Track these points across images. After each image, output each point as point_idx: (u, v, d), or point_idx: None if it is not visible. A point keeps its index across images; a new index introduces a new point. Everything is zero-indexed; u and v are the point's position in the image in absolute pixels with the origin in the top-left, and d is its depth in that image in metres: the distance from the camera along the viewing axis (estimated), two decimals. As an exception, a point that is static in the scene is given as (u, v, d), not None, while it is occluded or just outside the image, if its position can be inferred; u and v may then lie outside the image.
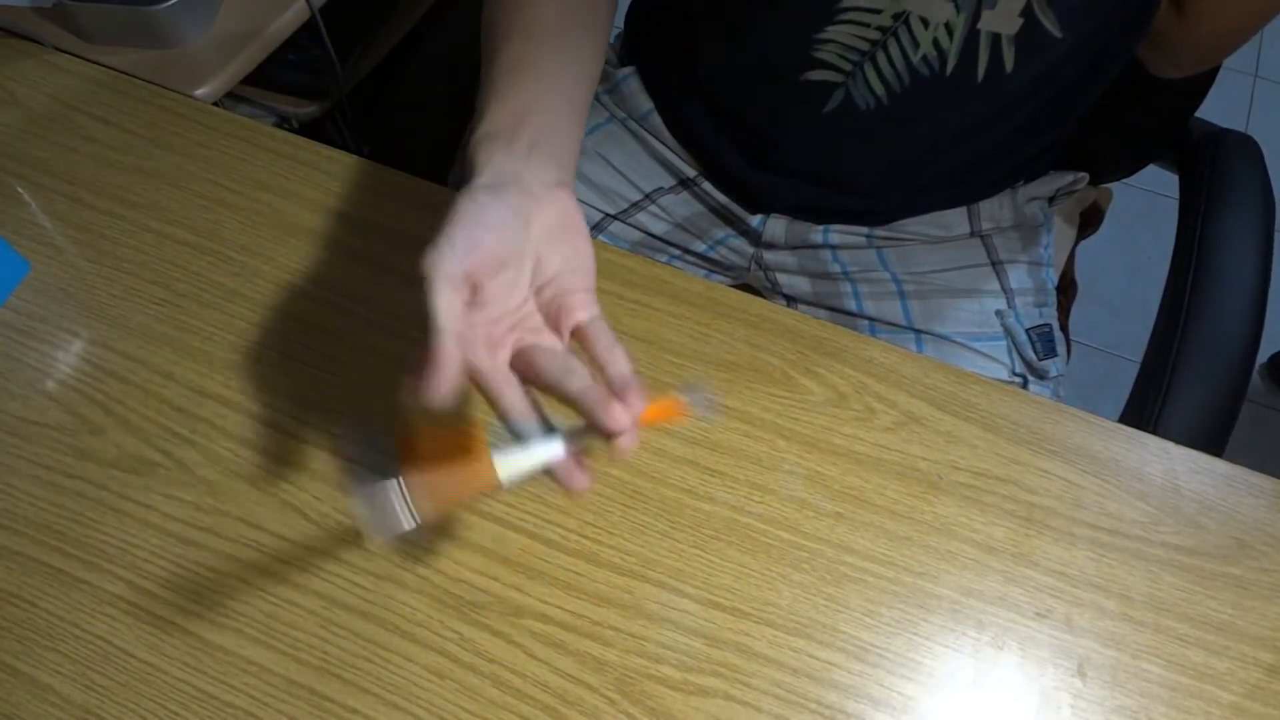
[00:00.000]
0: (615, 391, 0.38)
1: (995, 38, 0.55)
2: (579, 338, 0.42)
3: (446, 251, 0.38)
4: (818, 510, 0.51)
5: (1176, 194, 0.76)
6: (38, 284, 0.58)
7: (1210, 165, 0.74)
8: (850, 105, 0.62)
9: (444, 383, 0.36)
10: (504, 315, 0.41)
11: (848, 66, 0.60)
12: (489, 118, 0.45)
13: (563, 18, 0.50)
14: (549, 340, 0.42)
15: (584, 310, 0.42)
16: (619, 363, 0.40)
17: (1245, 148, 0.75)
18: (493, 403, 0.39)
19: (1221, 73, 0.72)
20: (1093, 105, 0.67)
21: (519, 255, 0.41)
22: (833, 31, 0.58)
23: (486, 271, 0.39)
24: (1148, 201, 1.66)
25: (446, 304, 0.37)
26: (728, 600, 0.48)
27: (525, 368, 0.40)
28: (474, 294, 0.39)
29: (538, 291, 0.42)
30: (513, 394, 0.39)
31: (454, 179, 0.46)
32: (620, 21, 0.80)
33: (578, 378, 0.39)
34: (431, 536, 0.49)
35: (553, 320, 0.42)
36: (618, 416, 0.37)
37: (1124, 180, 0.84)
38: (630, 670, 0.46)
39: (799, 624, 0.47)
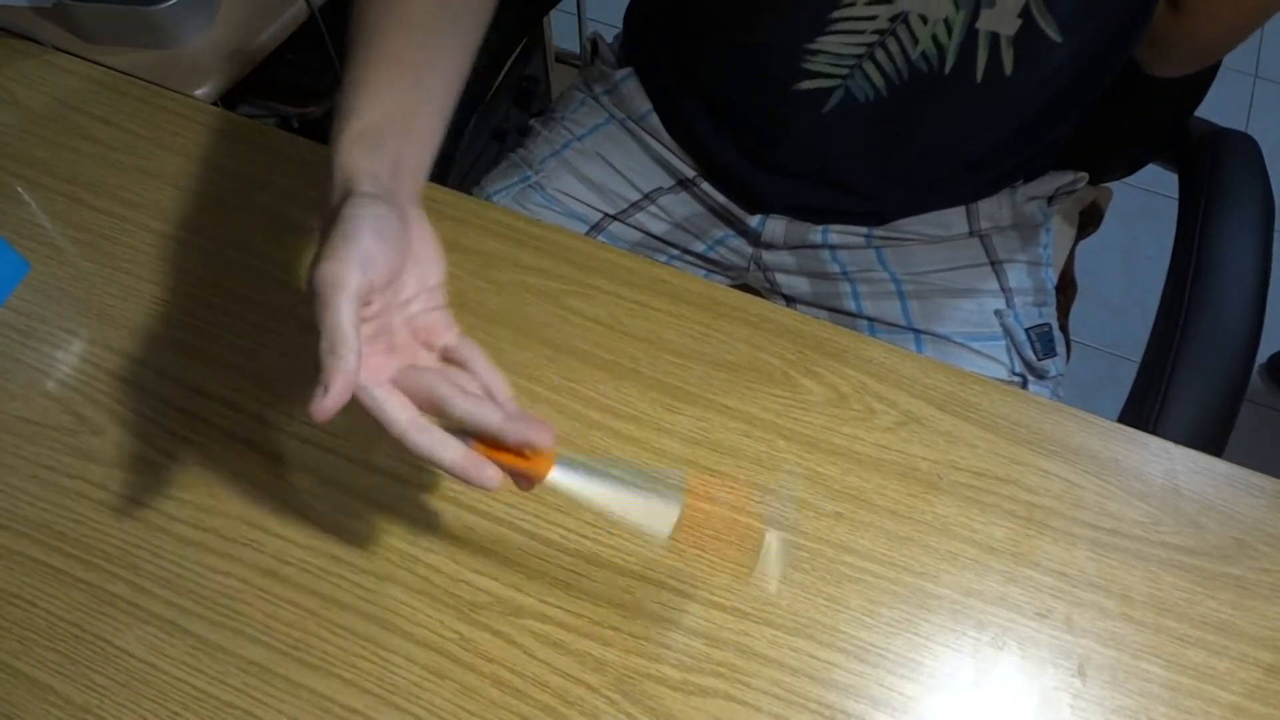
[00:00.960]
0: (511, 420, 0.39)
1: (994, 38, 0.55)
2: (451, 358, 0.42)
3: (354, 265, 0.37)
4: (818, 510, 0.51)
5: (1176, 194, 0.76)
6: (38, 284, 0.58)
7: (1210, 165, 0.74)
8: (850, 101, 0.62)
9: (339, 397, 0.36)
10: (380, 332, 0.40)
11: (843, 72, 0.60)
12: (360, 116, 0.44)
13: (438, 14, 0.49)
14: (425, 359, 0.42)
15: (449, 330, 0.42)
16: (501, 387, 0.42)
17: (1245, 147, 0.75)
18: (386, 423, 0.38)
19: (1221, 73, 0.72)
20: (1092, 105, 0.67)
21: (399, 269, 0.40)
22: (824, 42, 0.58)
23: (378, 287, 0.38)
24: (1148, 201, 1.66)
25: (350, 319, 0.36)
26: (728, 600, 0.48)
27: (411, 388, 0.40)
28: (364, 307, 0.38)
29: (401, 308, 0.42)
30: (406, 412, 0.39)
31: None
32: (619, 22, 0.80)
33: (480, 404, 0.39)
34: (432, 536, 0.49)
35: (421, 338, 0.42)
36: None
37: (1124, 180, 0.84)
38: (630, 670, 0.46)
39: (799, 624, 0.47)
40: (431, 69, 0.48)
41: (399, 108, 0.45)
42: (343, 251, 0.37)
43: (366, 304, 0.38)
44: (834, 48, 0.59)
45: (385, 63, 0.46)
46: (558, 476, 0.40)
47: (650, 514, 0.40)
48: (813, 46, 0.59)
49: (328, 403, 0.35)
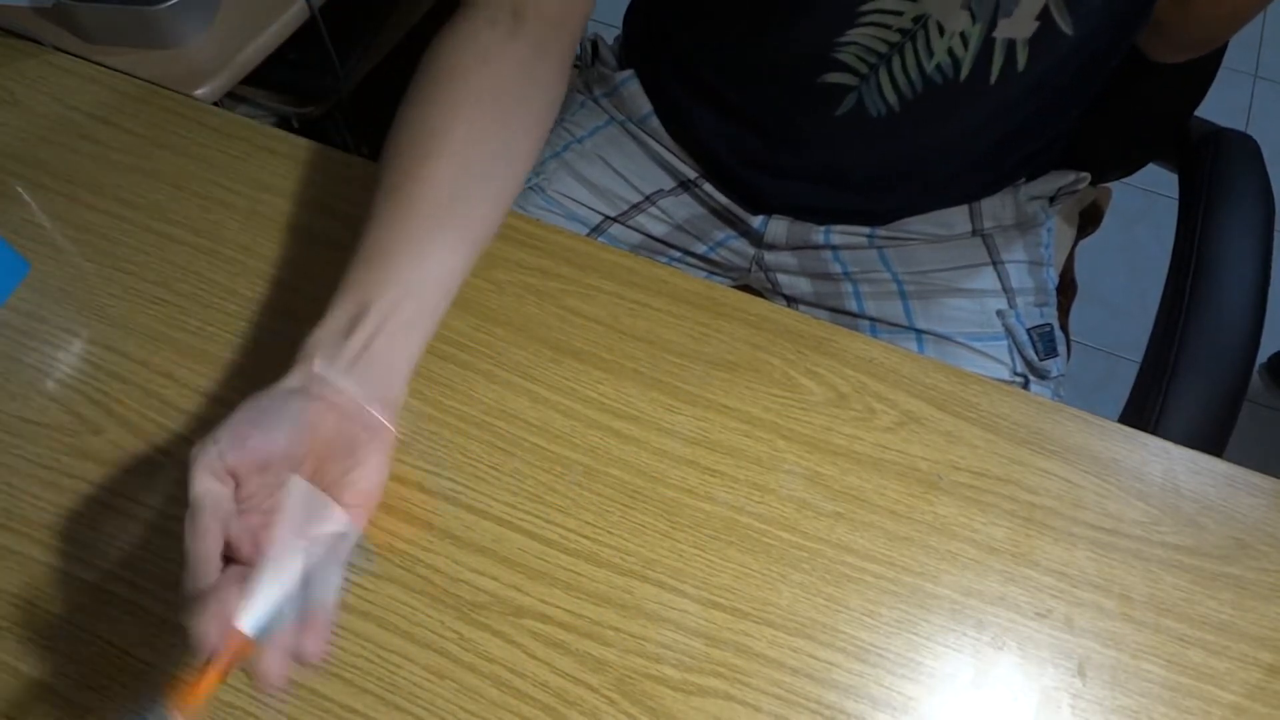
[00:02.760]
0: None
1: (1010, 43, 0.55)
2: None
3: (210, 445, 0.39)
4: (818, 510, 0.51)
5: (1176, 194, 0.76)
6: (38, 284, 0.58)
7: (1210, 165, 0.74)
8: (861, 111, 0.62)
9: (206, 567, 0.37)
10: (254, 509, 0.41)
11: (864, 69, 0.60)
12: (332, 314, 0.45)
13: (459, 180, 0.48)
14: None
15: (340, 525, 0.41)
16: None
17: (1245, 147, 0.75)
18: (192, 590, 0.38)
19: (1221, 73, 0.72)
20: (1093, 100, 0.67)
21: (288, 459, 0.41)
22: (854, 34, 0.58)
23: (248, 468, 0.40)
24: (1148, 201, 1.66)
25: (204, 487, 0.38)
26: (728, 600, 0.48)
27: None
28: (236, 488, 0.40)
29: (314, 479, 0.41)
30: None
31: None
32: (619, 22, 0.80)
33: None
34: (432, 536, 0.49)
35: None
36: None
37: (1124, 180, 0.84)
38: (630, 670, 0.46)
39: (799, 624, 0.47)
40: (432, 255, 0.47)
41: (380, 301, 0.44)
42: (211, 433, 0.40)
43: (238, 483, 0.40)
44: (864, 39, 0.58)
45: (380, 250, 0.46)
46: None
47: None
48: (844, 39, 0.59)
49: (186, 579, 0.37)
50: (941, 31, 0.55)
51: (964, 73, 0.57)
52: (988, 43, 0.55)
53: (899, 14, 0.56)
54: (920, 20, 0.55)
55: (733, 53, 0.67)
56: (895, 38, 0.57)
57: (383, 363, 0.44)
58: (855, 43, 0.59)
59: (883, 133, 0.63)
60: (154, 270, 0.58)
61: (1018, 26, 0.54)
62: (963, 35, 0.55)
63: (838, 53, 0.60)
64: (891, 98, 0.60)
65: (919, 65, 0.57)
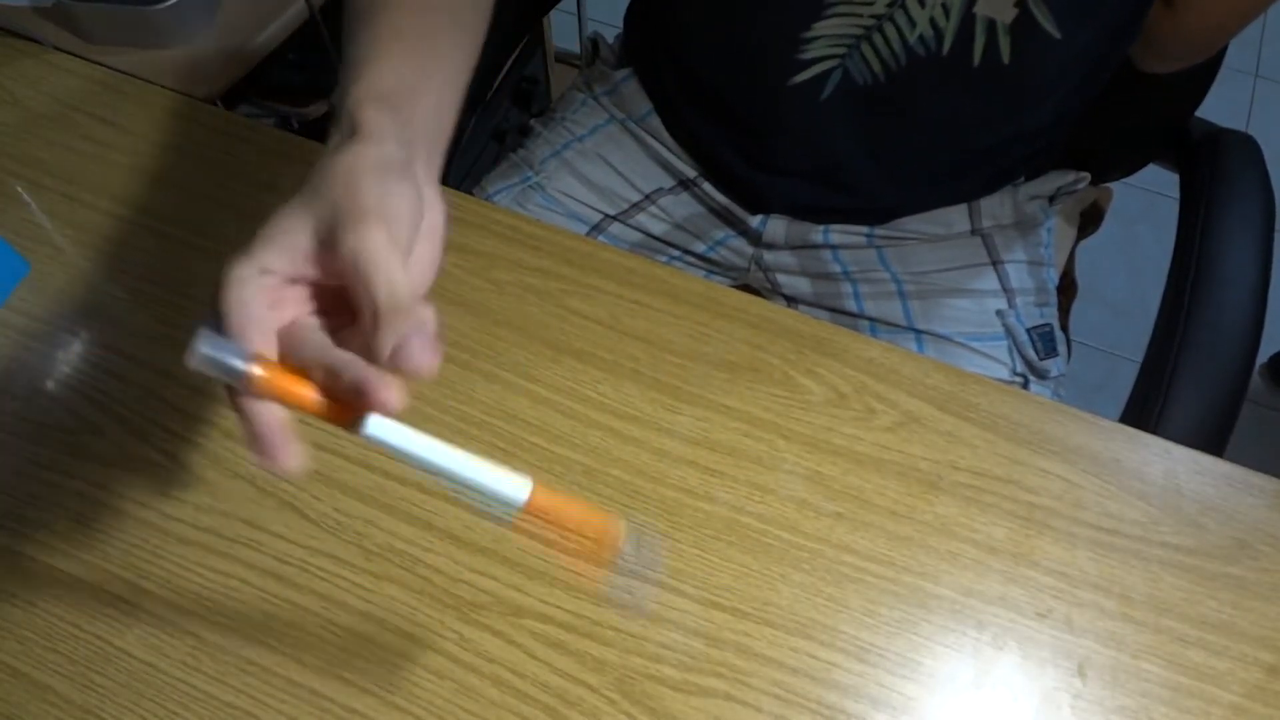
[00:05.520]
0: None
1: (991, 24, 0.55)
2: None
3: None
4: (818, 510, 0.51)
5: (1177, 194, 0.76)
6: (38, 284, 0.58)
7: (1210, 165, 0.74)
8: (848, 84, 0.62)
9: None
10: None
11: (840, 52, 0.60)
12: (373, 75, 0.39)
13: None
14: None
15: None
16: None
17: (1245, 147, 0.75)
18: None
19: (1221, 73, 0.72)
20: (1090, 104, 0.67)
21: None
22: (819, 27, 0.58)
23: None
24: (1148, 201, 1.66)
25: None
26: (728, 600, 0.48)
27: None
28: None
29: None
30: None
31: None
32: (619, 22, 0.80)
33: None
34: (432, 536, 0.49)
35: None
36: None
37: (1124, 180, 0.84)
38: (630, 670, 0.46)
39: (799, 624, 0.47)
40: (444, 37, 0.44)
41: (415, 80, 0.40)
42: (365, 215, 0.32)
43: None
44: (830, 30, 0.58)
45: (391, 36, 0.42)
46: (376, 429, 0.32)
47: (501, 483, 0.35)
48: (808, 34, 0.59)
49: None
50: (922, 4, 0.55)
51: (947, 46, 0.57)
52: (969, 18, 0.55)
53: (869, 3, 0.56)
54: (896, 2, 0.56)
55: (715, 53, 0.67)
56: (869, 22, 0.57)
57: (423, 140, 0.39)
58: (821, 36, 0.59)
59: (872, 109, 0.63)
60: (154, 270, 0.58)
61: (997, 6, 0.54)
62: (944, 6, 0.55)
63: (803, 51, 0.60)
64: (876, 67, 0.60)
65: (901, 37, 0.57)
